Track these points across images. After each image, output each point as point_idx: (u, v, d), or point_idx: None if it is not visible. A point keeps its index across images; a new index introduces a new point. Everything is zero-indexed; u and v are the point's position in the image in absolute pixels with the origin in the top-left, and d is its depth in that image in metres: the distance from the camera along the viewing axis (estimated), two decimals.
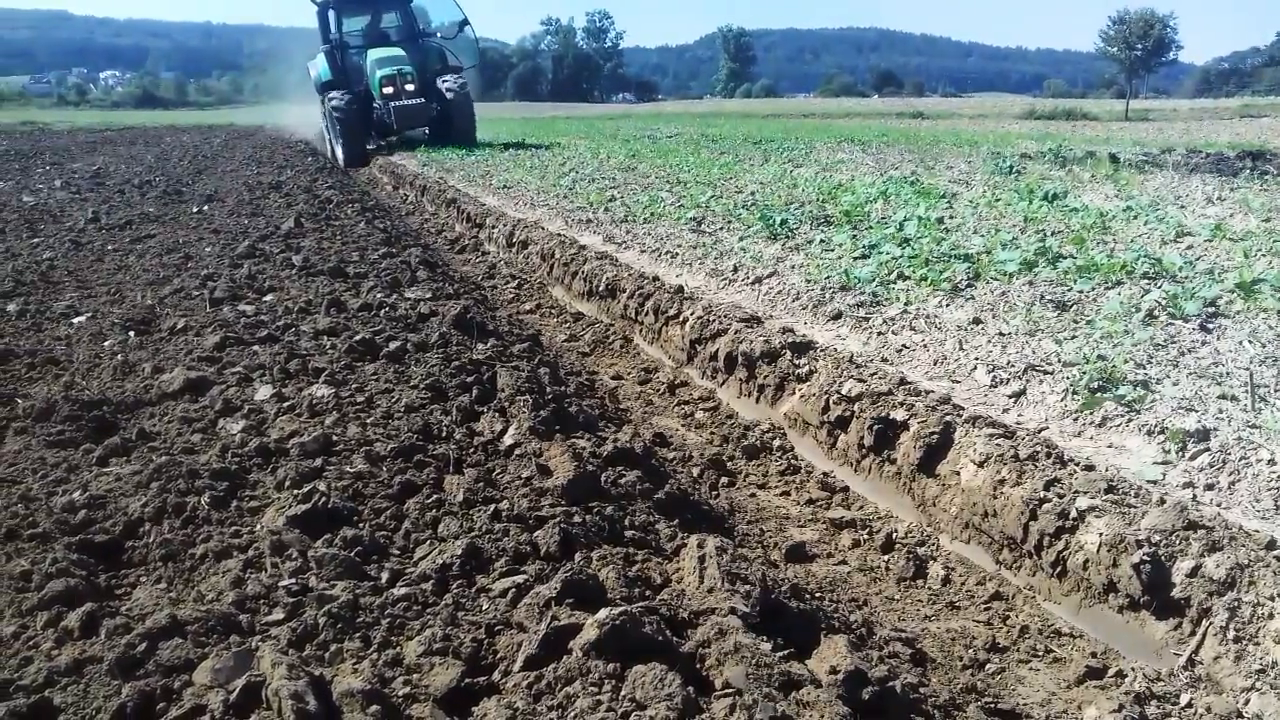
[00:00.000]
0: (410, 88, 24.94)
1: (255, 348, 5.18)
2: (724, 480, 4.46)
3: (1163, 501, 3.21)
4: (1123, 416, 4.01)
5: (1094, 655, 3.03)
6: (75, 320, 6.20)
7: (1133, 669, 2.88)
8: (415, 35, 27.79)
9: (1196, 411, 3.93)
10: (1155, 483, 3.51)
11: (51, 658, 2.32)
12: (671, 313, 6.51)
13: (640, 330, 6.97)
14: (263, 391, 4.36)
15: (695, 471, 4.49)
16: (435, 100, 26.01)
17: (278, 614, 2.47)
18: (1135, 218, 8.74)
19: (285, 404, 4.17)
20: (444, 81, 26.29)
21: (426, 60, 27.00)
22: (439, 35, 28.37)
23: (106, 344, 5.54)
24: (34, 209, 12.53)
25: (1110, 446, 3.87)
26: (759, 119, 54.06)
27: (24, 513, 3.20)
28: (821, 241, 8.37)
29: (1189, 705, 2.68)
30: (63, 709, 2.14)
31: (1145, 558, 2.97)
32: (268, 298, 6.49)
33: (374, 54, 25.84)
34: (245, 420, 4.00)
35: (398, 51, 26.10)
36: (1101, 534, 3.12)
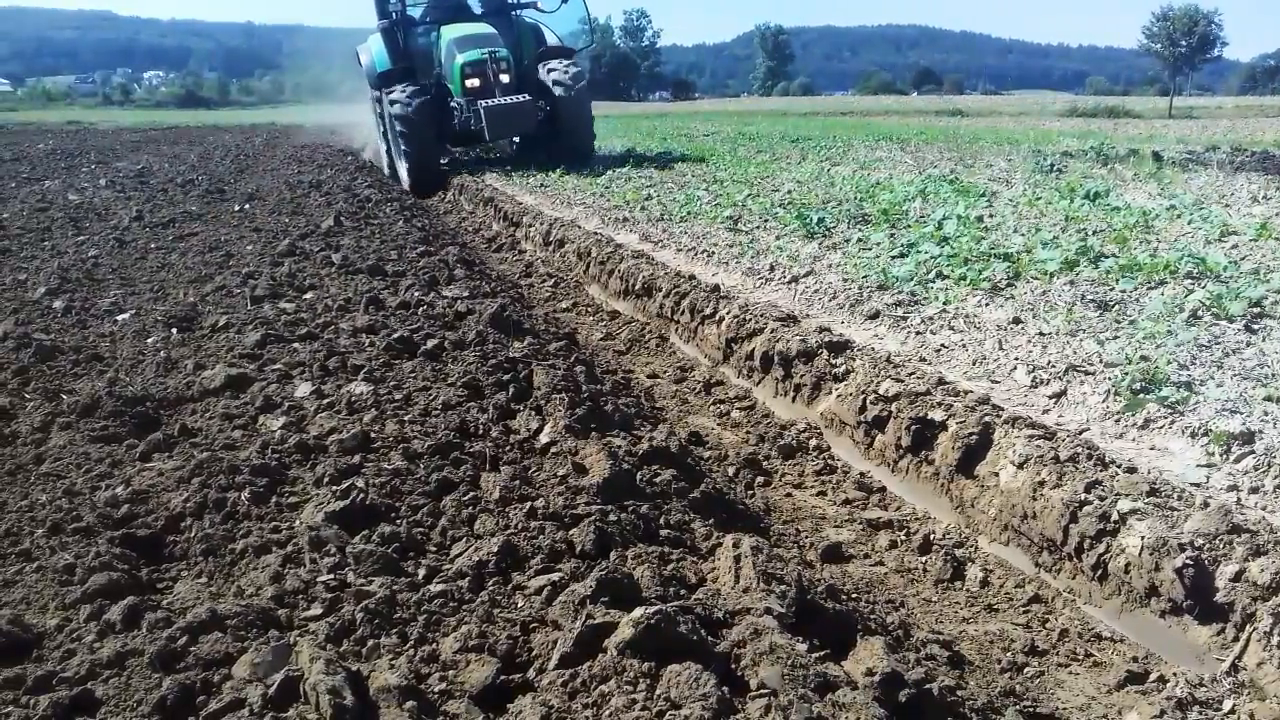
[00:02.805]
0: (505, 79, 17.40)
1: (295, 345, 5.23)
2: (760, 480, 4.45)
3: (1206, 505, 3.16)
4: (1166, 418, 3.96)
5: (1135, 660, 2.99)
6: (119, 317, 6.28)
7: (1174, 674, 2.84)
8: (504, 7, 19.78)
9: (1241, 414, 3.86)
10: (1199, 486, 3.46)
11: (94, 650, 2.36)
12: (707, 311, 6.50)
13: (676, 329, 6.97)
14: (302, 389, 4.40)
15: (731, 471, 4.48)
16: (540, 97, 18.03)
17: (316, 609, 2.50)
18: (1179, 217, 8.62)
19: (324, 401, 4.21)
20: (549, 70, 18.12)
21: (521, 42, 19.17)
22: (537, 5, 19.94)
23: (149, 341, 5.62)
24: (79, 207, 12.72)
25: (1153, 448, 3.81)
26: (796, 117, 53.89)
27: (68, 507, 3.25)
28: (859, 240, 8.32)
29: (1232, 711, 2.64)
30: (104, 701, 2.17)
31: (1188, 561, 2.92)
32: (308, 295, 6.55)
33: (451, 32, 18.18)
34: (285, 417, 4.04)
35: (484, 28, 18.33)
36: (1143, 537, 3.08)
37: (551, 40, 19.67)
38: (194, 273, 7.73)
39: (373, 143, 23.17)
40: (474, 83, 17.30)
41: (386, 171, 20.08)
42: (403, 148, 17.64)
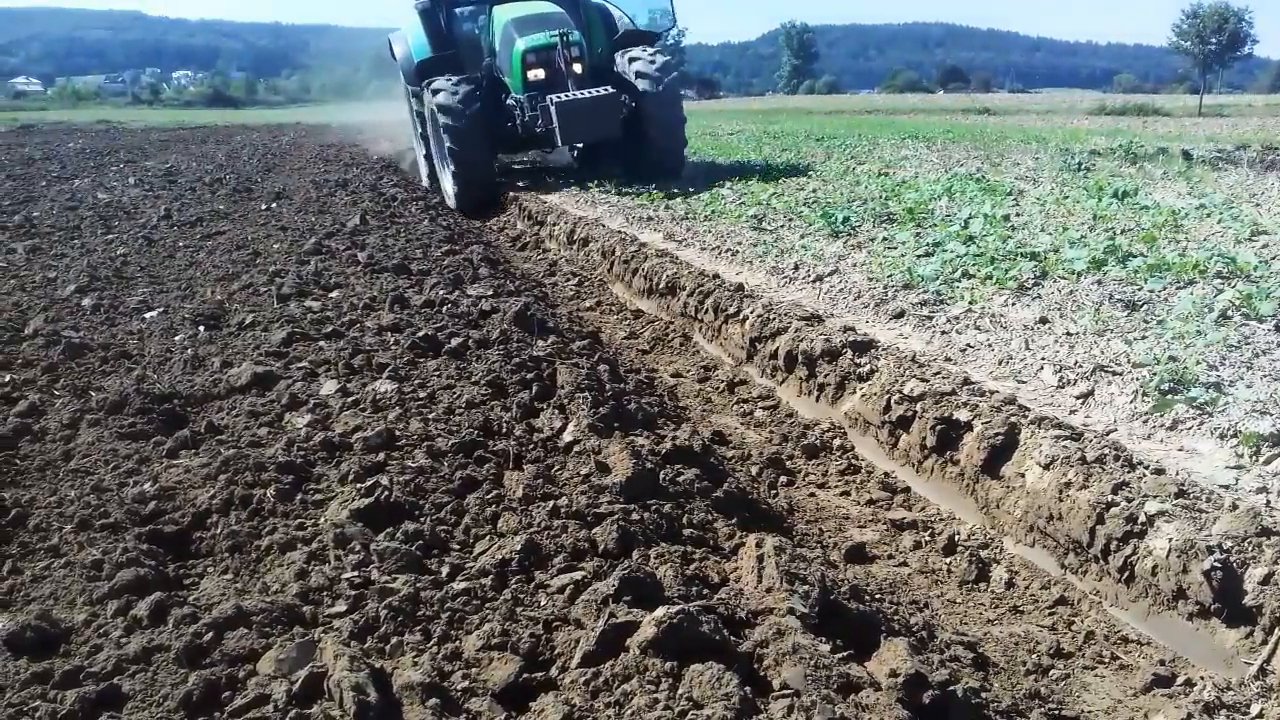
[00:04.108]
0: (578, 68, 13.82)
1: (321, 343, 5.26)
2: (783, 479, 4.44)
3: (1235, 507, 3.13)
4: (1194, 419, 3.92)
5: (1162, 663, 2.97)
6: (147, 315, 6.34)
7: (1202, 677, 2.81)
8: None
9: (1271, 415, 3.82)
10: (1228, 487, 3.42)
11: (120, 646, 2.38)
12: (731, 310, 6.49)
13: (700, 328, 6.96)
14: (328, 386, 4.43)
15: (754, 470, 4.47)
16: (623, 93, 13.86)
17: (340, 606, 2.51)
18: (1208, 216, 8.53)
19: (349, 399, 4.23)
20: (631, 60, 14.31)
21: (590, 25, 15.58)
22: None
23: (177, 338, 5.67)
24: (109, 206, 12.84)
25: (1181, 450, 3.78)
26: (821, 115, 53.74)
27: (96, 503, 3.28)
28: (884, 239, 8.29)
29: (1260, 715, 2.61)
30: (131, 696, 2.19)
31: (1216, 564, 2.89)
32: (333, 294, 6.59)
33: (507, 13, 14.93)
34: (310, 415, 4.07)
35: (548, 6, 15.07)
36: (1171, 539, 3.05)
37: (623, 23, 15.99)
38: (221, 271, 7.79)
39: (405, 146, 20.15)
40: (538, 74, 14.00)
41: (425, 182, 16.92)
42: (448, 156, 13.96)
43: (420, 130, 16.54)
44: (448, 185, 14.76)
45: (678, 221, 10.43)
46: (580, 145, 16.71)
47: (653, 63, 14.13)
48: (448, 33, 15.56)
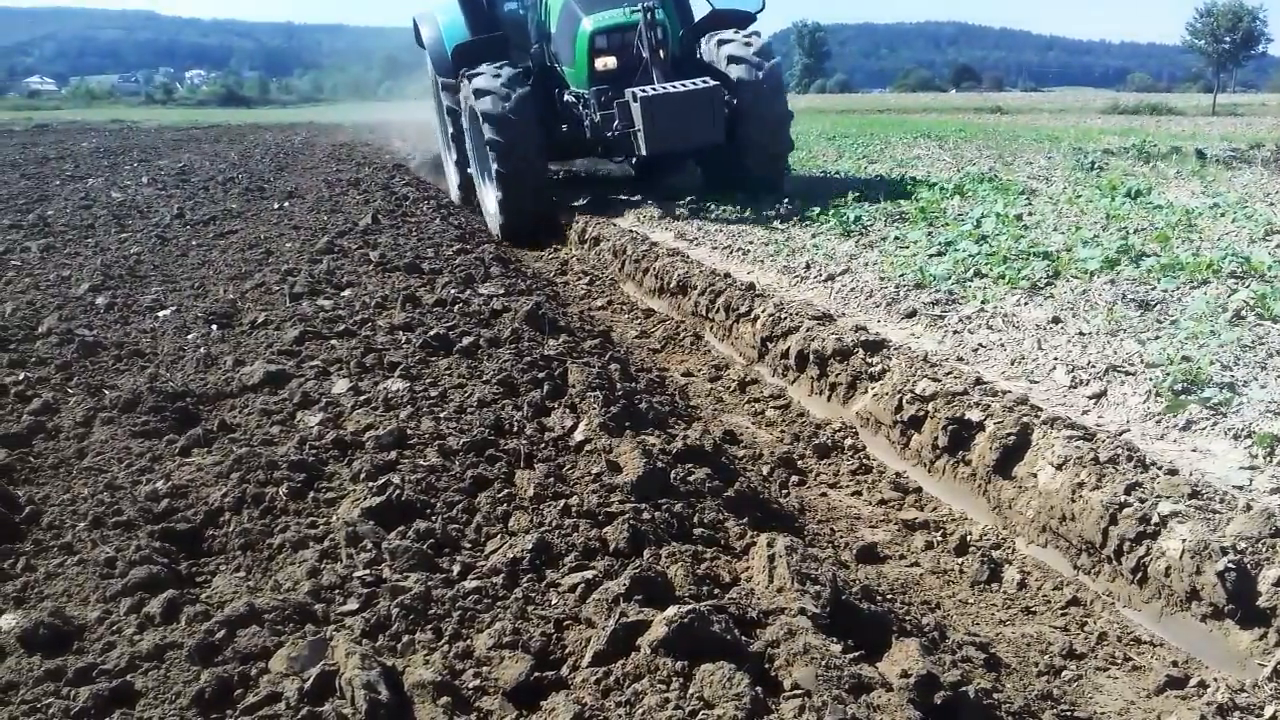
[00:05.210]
0: (663, 55, 10.91)
1: (333, 342, 5.28)
2: (794, 479, 4.43)
3: (1249, 508, 3.11)
4: (1208, 419, 3.90)
5: (1175, 664, 2.96)
6: (160, 314, 6.36)
7: (1215, 679, 2.80)
8: None
9: None
10: (1241, 488, 3.40)
11: (133, 643, 2.39)
12: (743, 310, 6.48)
13: (711, 327, 6.96)
14: (340, 385, 4.44)
15: (765, 470, 4.47)
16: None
17: (352, 604, 2.52)
18: (1222, 215, 8.49)
19: (361, 398, 4.24)
20: (721, 44, 11.63)
21: (664, 4, 11.66)
22: None
23: (190, 337, 5.69)
24: (122, 205, 12.88)
25: (1195, 450, 3.76)
26: (833, 114, 53.60)
27: (109, 501, 3.30)
28: (896, 238, 8.27)
29: (1274, 718, 2.60)
30: (143, 693, 2.20)
31: (1230, 565, 2.88)
32: (345, 293, 6.60)
33: None
34: (323, 413, 4.08)
35: None
36: (1185, 540, 3.04)
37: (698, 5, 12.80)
38: (234, 270, 7.82)
39: (422, 148, 17.22)
40: (609, 62, 11.04)
41: (454, 196, 14.02)
42: (494, 165, 10.90)
43: (451, 131, 13.15)
44: (489, 204, 11.86)
45: (689, 220, 10.34)
46: (621, 157, 13.53)
47: (748, 44, 11.38)
48: (490, 9, 12.71)
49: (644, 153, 10.53)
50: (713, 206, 10.91)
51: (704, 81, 10.26)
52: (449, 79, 12.46)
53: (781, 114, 11.30)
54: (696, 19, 12.77)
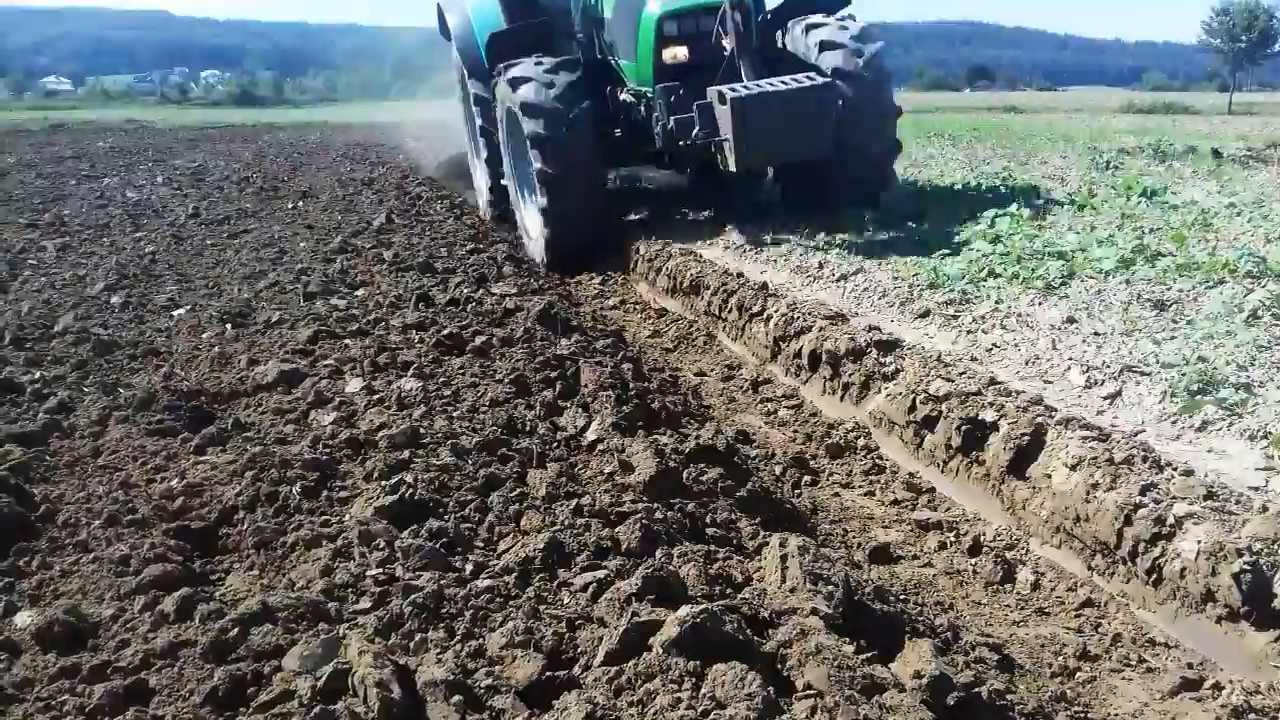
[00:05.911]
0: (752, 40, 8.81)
1: (346, 341, 5.29)
2: (807, 479, 4.42)
3: (1265, 509, 3.10)
4: (1223, 420, 3.88)
5: (1190, 666, 2.94)
6: (175, 313, 6.39)
7: (1230, 681, 2.78)
8: None
9: None
10: (1257, 489, 3.39)
11: (148, 641, 2.40)
12: (755, 309, 6.47)
13: (724, 327, 6.95)
14: (353, 384, 4.45)
15: (778, 470, 4.46)
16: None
17: (365, 603, 2.52)
18: (1238, 215, 8.43)
19: (374, 396, 4.25)
20: (809, 29, 9.32)
21: None
22: None
23: (205, 336, 5.71)
24: (137, 204, 12.93)
25: (1210, 451, 3.74)
26: None
27: (124, 499, 3.31)
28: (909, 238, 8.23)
29: None
30: (157, 691, 2.21)
31: (1246, 567, 2.86)
32: (359, 292, 6.62)
33: None
34: (336, 412, 4.09)
35: None
36: (1200, 541, 3.02)
37: None
38: (248, 269, 7.84)
39: (448, 154, 15.26)
40: (679, 54, 9.05)
41: (484, 213, 12.06)
42: (537, 165, 8.92)
43: (481, 136, 11.15)
44: (532, 223, 9.81)
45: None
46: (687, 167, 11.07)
47: (844, 28, 9.23)
48: None
49: (733, 167, 8.21)
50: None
51: (809, 77, 8.14)
52: (485, 75, 10.38)
53: (888, 108, 9.31)
54: (771, 4, 10.39)
